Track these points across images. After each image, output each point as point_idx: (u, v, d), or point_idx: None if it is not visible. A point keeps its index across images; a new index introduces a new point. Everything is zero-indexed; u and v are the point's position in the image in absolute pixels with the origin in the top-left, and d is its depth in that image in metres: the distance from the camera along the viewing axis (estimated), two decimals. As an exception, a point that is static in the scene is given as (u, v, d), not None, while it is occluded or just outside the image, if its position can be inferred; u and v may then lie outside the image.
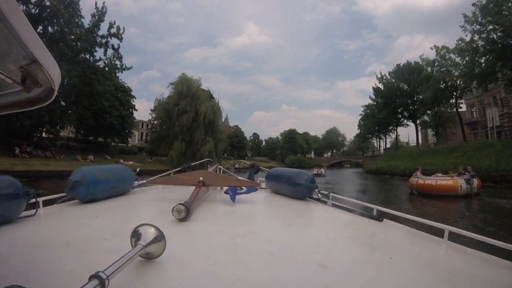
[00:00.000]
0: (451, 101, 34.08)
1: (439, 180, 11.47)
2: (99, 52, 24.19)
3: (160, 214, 1.27)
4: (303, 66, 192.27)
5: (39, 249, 0.83)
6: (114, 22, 23.74)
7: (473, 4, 23.24)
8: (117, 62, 25.28)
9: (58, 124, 24.43)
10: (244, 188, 1.70)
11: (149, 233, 0.67)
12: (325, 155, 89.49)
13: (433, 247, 1.00)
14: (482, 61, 23.57)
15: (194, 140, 29.56)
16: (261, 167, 2.56)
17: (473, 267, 0.83)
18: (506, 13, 21.22)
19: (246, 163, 3.54)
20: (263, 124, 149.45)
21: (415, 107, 37.38)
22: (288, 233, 1.16)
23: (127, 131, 33.65)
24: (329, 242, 1.04)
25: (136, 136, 46.08)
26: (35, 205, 1.21)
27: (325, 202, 1.64)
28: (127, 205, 1.57)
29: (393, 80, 38.76)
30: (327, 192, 1.78)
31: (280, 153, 77.99)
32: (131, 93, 34.36)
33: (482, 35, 23.29)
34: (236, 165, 27.37)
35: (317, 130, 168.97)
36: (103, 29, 23.69)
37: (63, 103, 21.95)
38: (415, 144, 40.77)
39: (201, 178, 1.56)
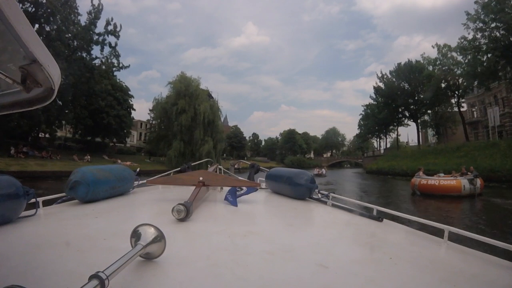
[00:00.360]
0: (452, 100, 33.88)
1: (442, 180, 11.45)
2: (96, 51, 23.93)
3: (160, 214, 1.27)
4: (302, 66, 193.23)
5: (39, 249, 0.83)
6: (111, 19, 23.37)
7: (476, 2, 22.99)
8: (114, 60, 24.88)
9: (54, 123, 24.12)
10: (244, 188, 1.68)
11: (149, 233, 0.67)
12: (325, 155, 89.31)
13: (433, 247, 1.00)
14: (484, 59, 23.31)
15: (193, 140, 29.17)
16: (261, 167, 2.55)
17: (473, 267, 0.83)
18: (509, 10, 20.92)
19: (246, 163, 3.52)
20: (262, 124, 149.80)
21: (416, 106, 37.14)
22: (288, 233, 1.15)
23: (125, 131, 33.46)
24: (329, 242, 1.03)
25: (135, 136, 45.92)
26: (35, 205, 1.21)
27: (325, 202, 1.64)
28: (127, 205, 1.57)
29: (394, 79, 38.56)
30: (327, 192, 1.79)
31: (280, 153, 77.89)
32: (129, 92, 34.11)
33: (484, 33, 23.02)
34: (236, 165, 27.06)
35: (317, 130, 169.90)
36: (100, 27, 23.40)
37: (59, 102, 21.65)
38: (415, 144, 40.56)
39: (201, 178, 1.57)
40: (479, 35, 23.52)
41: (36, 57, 0.45)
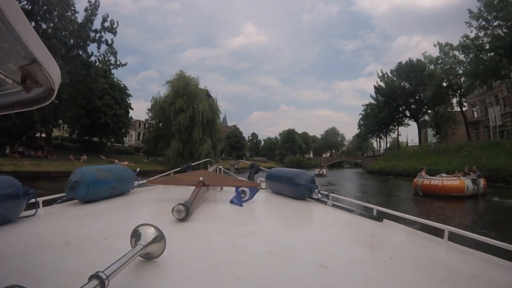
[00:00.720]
0: (454, 100, 33.70)
1: (445, 181, 11.28)
2: (92, 48, 23.49)
3: (160, 214, 1.27)
4: (301, 66, 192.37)
5: (39, 249, 0.82)
6: (108, 15, 22.93)
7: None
8: (111, 58, 24.44)
9: (50, 122, 23.74)
10: (247, 192, 1.63)
11: (149, 233, 0.67)
12: (324, 155, 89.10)
13: (433, 247, 1.00)
14: (487, 58, 23.04)
15: (191, 140, 28.76)
16: (261, 167, 2.55)
17: (473, 267, 0.82)
18: (512, 8, 20.66)
19: (246, 163, 3.51)
20: (262, 124, 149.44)
21: (417, 106, 36.86)
22: (288, 233, 1.15)
23: (123, 130, 33.02)
24: (329, 242, 1.03)
25: (133, 136, 45.60)
26: (35, 205, 1.21)
27: (325, 202, 1.64)
28: (127, 205, 1.57)
29: (395, 78, 38.32)
30: (327, 192, 1.79)
31: (279, 153, 77.60)
32: (127, 91, 33.68)
33: (487, 31, 22.77)
34: (235, 166, 26.82)
35: (316, 130, 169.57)
36: (97, 24, 22.91)
37: (55, 101, 21.31)
38: (415, 144, 40.35)
39: (201, 178, 1.57)
40: (481, 34, 23.31)
41: (36, 57, 0.45)
